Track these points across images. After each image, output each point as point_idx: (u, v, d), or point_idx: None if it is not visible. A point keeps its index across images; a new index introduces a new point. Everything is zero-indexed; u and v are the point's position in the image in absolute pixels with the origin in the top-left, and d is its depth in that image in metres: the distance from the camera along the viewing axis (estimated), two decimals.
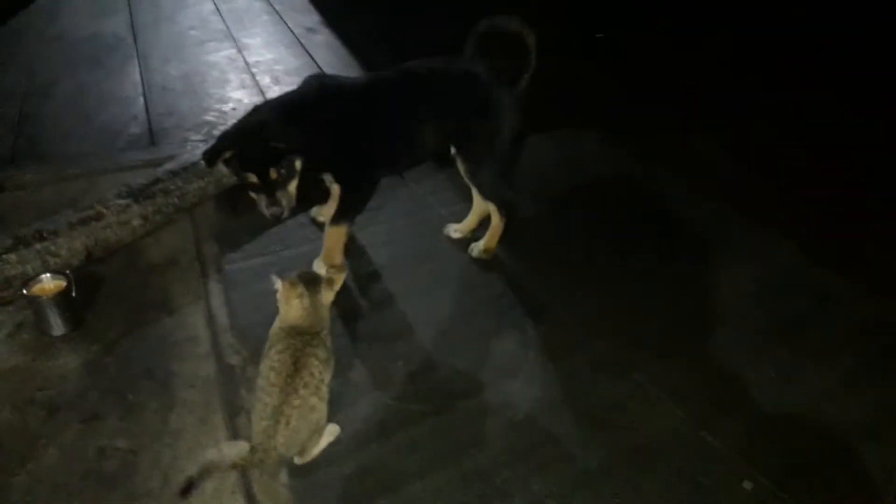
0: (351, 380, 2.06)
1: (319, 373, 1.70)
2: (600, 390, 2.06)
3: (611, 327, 2.29)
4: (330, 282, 1.83)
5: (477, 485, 1.76)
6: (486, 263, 2.59)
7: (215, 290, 2.39)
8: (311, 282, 1.79)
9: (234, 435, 1.86)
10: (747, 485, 1.78)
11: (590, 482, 1.78)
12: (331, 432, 1.82)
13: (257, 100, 3.91)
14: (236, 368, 2.07)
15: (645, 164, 3.36)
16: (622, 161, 3.44)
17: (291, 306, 1.76)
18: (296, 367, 1.66)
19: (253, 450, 1.61)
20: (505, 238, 2.61)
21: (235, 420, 1.91)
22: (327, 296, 1.82)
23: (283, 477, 1.75)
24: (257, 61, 4.51)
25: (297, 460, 1.76)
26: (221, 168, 2.27)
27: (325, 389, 1.72)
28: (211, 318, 2.26)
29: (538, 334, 2.27)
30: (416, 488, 1.74)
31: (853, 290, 2.53)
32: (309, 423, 1.68)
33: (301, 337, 1.72)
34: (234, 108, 3.79)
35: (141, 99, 3.90)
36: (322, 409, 1.72)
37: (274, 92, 4.00)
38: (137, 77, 4.21)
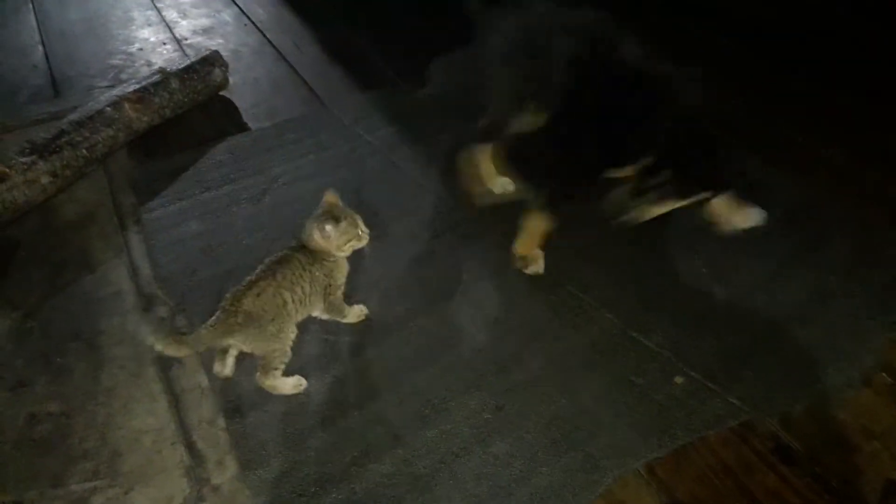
0: None
1: (301, 282, 1.75)
2: (534, 303, 2.07)
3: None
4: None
5: (413, 405, 1.78)
6: (418, 190, 2.53)
7: (135, 241, 2.30)
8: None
9: (168, 387, 1.84)
10: (679, 380, 1.84)
11: (526, 392, 1.81)
12: (297, 383, 1.82)
13: (165, 36, 3.69)
14: (165, 320, 2.02)
15: None
16: None
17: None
18: (283, 260, 1.75)
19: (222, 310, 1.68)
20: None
21: (168, 372, 1.88)
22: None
23: (221, 422, 1.75)
24: None
25: (259, 378, 1.76)
26: None
27: (301, 300, 1.76)
28: (134, 271, 2.18)
29: (470, 254, 2.25)
30: (355, 418, 1.75)
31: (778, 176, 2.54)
32: (276, 309, 1.69)
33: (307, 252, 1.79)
34: (140, 49, 3.56)
35: (39, 47, 3.62)
36: (290, 313, 1.74)
37: (182, 28, 3.77)
38: (33, 23, 3.90)
